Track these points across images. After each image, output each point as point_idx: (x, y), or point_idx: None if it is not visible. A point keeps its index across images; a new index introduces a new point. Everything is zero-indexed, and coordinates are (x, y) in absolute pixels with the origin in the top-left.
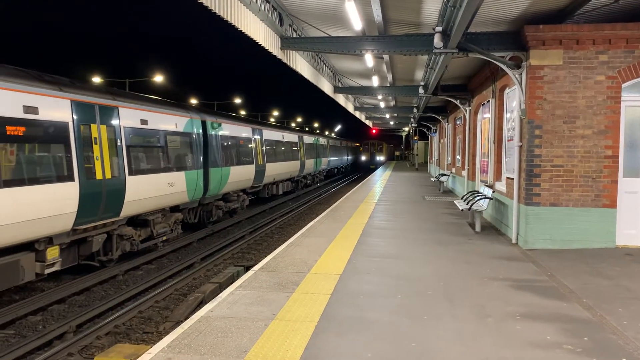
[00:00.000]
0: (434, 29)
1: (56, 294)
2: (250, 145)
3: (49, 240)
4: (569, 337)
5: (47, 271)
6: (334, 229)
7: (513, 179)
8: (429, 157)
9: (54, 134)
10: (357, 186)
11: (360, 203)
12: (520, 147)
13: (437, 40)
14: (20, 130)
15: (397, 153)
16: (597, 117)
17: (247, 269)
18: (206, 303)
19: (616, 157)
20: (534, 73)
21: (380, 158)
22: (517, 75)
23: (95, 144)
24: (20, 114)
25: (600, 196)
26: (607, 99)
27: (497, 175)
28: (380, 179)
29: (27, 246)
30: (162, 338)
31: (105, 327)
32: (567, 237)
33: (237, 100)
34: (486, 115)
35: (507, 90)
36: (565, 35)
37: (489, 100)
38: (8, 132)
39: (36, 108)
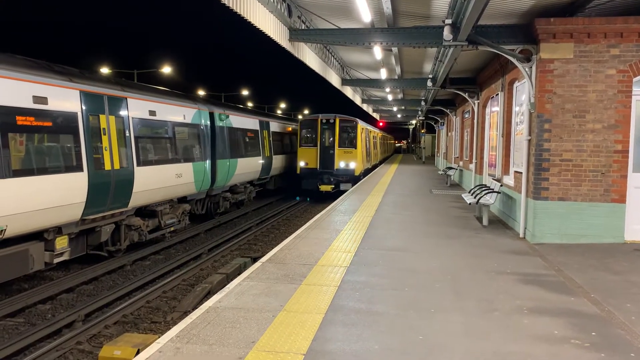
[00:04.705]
0: (443, 21)
1: (65, 283)
2: (257, 137)
3: (58, 230)
4: (576, 332)
5: (56, 260)
6: (340, 221)
7: (521, 173)
8: (436, 150)
9: (63, 124)
10: (364, 179)
11: (367, 196)
12: (529, 141)
13: (446, 33)
14: (29, 121)
15: (402, 145)
16: (608, 111)
17: (254, 260)
18: (214, 294)
19: (626, 151)
20: (544, 66)
21: (350, 164)
22: (526, 69)
23: (104, 134)
24: (30, 104)
25: (609, 191)
26: (617, 93)
27: (505, 169)
28: (380, 180)
29: (37, 235)
30: (170, 328)
31: (113, 317)
32: (575, 232)
33: (245, 92)
34: (495, 109)
35: (516, 84)
36: (576, 28)
37: (497, 94)
38: (18, 122)
39: (45, 98)
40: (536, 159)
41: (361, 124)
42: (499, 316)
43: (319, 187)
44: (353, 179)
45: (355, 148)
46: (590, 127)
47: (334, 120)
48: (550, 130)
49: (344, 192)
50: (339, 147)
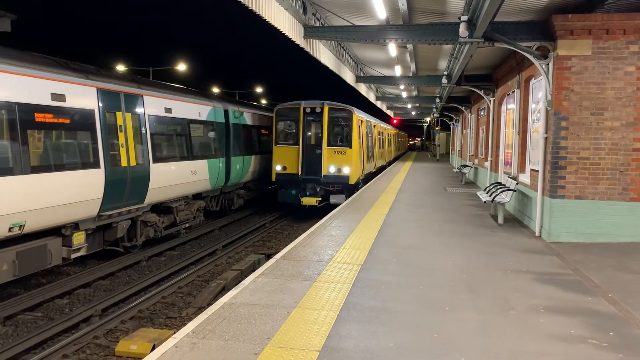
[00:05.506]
0: (459, 18)
1: (82, 279)
2: (271, 134)
3: (75, 226)
4: (593, 332)
5: (73, 256)
6: (354, 219)
7: (537, 171)
8: (450, 147)
9: (81, 121)
10: (379, 175)
11: (380, 193)
12: (546, 138)
13: (462, 30)
14: (48, 118)
15: (417, 143)
16: (626, 108)
17: (268, 257)
18: (228, 290)
19: None
20: (562, 63)
21: (343, 169)
22: (543, 66)
23: (121, 131)
24: (48, 102)
25: (627, 189)
26: (637, 90)
27: (521, 167)
28: (394, 178)
29: (55, 231)
30: (185, 323)
31: (129, 312)
32: (592, 231)
33: (259, 90)
34: (511, 106)
35: (532, 81)
36: (594, 24)
37: (513, 91)
38: (36, 119)
39: (63, 95)
40: (553, 157)
41: (358, 115)
42: (515, 315)
43: (301, 199)
44: (347, 188)
45: (350, 147)
46: (609, 124)
47: (322, 109)
48: (568, 128)
49: (334, 206)
50: (328, 145)
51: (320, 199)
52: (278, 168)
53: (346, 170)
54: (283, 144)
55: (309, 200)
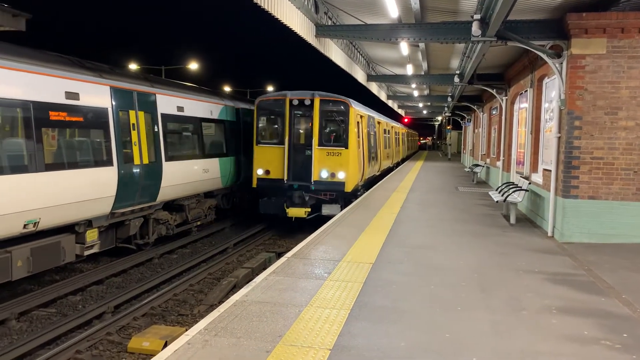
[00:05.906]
0: (472, 16)
1: (95, 275)
2: None
3: (89, 223)
4: (607, 333)
5: (86, 253)
6: (365, 218)
7: (550, 170)
8: (462, 147)
9: (94, 119)
10: (390, 174)
11: (391, 192)
12: (559, 138)
13: (475, 28)
14: (62, 116)
15: (428, 142)
16: None
17: (279, 255)
18: (239, 288)
19: None
20: (575, 62)
21: (337, 174)
22: (557, 65)
23: (134, 129)
24: (63, 100)
25: None
26: None
27: (534, 167)
28: (405, 177)
29: (68, 228)
30: (196, 321)
31: (141, 309)
32: (605, 231)
33: (270, 88)
34: (523, 105)
35: (546, 80)
36: (609, 23)
37: (526, 90)
38: (51, 117)
39: (77, 94)
40: (566, 157)
41: (357, 108)
42: (527, 315)
43: (287, 210)
44: (343, 196)
45: (347, 147)
46: (623, 124)
47: (312, 101)
48: (581, 127)
49: (328, 218)
50: (319, 145)
51: (309, 209)
52: (259, 172)
53: (341, 176)
54: (266, 144)
55: (296, 212)
